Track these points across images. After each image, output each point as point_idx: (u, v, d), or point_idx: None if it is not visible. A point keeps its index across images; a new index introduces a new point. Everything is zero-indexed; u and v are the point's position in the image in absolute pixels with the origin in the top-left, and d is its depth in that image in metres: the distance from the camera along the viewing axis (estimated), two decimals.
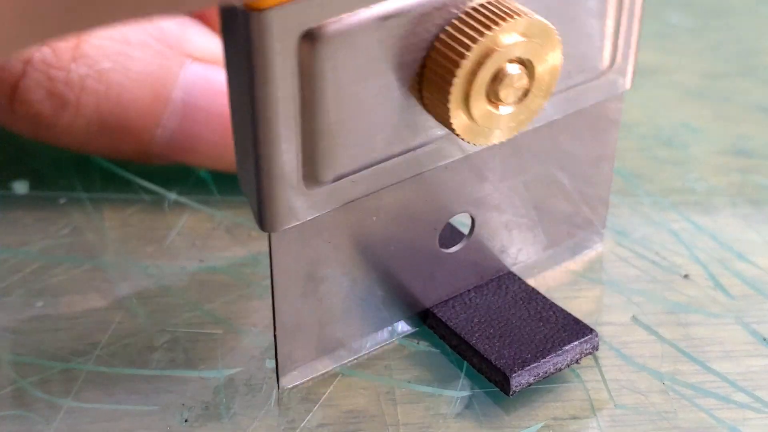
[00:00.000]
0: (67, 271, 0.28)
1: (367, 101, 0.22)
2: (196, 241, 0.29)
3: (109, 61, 0.28)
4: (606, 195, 0.29)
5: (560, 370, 0.25)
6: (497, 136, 0.23)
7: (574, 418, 0.25)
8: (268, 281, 0.28)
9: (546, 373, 0.25)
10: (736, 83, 0.36)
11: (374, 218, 0.25)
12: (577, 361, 0.26)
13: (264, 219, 0.23)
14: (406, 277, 0.26)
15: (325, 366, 0.26)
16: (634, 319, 0.27)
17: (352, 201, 0.24)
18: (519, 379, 0.25)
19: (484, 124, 0.23)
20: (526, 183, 0.27)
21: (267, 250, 0.29)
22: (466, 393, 0.25)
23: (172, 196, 0.31)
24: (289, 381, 0.25)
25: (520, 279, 0.27)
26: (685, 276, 0.28)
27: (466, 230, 0.27)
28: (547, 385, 0.25)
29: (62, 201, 0.30)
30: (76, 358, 0.26)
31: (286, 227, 0.23)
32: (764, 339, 0.27)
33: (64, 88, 0.28)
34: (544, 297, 0.27)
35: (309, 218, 0.23)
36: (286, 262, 0.24)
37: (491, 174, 0.26)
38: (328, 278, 0.25)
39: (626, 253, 0.29)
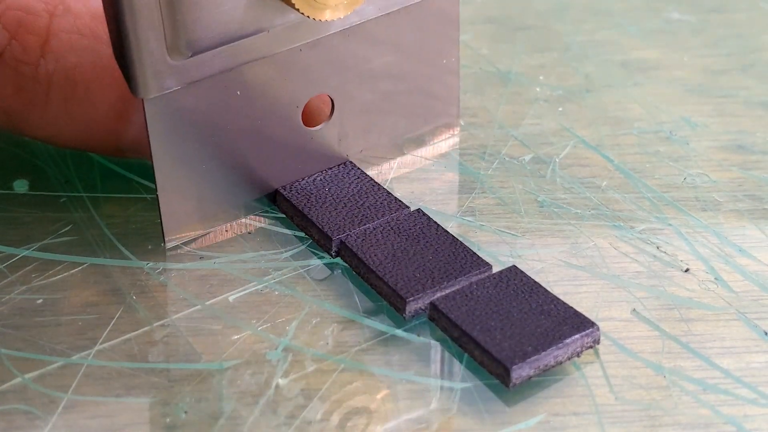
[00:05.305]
0: (67, 268, 0.28)
1: None
2: (196, 239, 0.29)
3: (77, 57, 0.28)
4: (455, 88, 0.32)
5: (561, 363, 0.25)
6: (334, 12, 0.27)
7: (575, 413, 0.25)
8: (268, 278, 0.28)
9: (547, 365, 0.25)
10: (736, 79, 0.36)
11: (238, 93, 0.28)
12: (578, 355, 0.26)
13: (134, 85, 0.26)
14: (271, 150, 0.29)
15: (204, 227, 0.29)
16: (635, 313, 0.27)
17: (214, 75, 0.27)
18: (519, 372, 0.25)
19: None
20: (378, 70, 0.30)
21: (266, 247, 0.29)
22: (466, 385, 0.25)
23: None
24: (171, 238, 0.29)
25: (522, 272, 0.27)
26: (686, 271, 0.28)
27: None
28: (548, 380, 0.25)
29: (62, 199, 0.30)
30: (75, 352, 0.26)
31: (156, 95, 0.26)
32: (766, 334, 0.27)
33: (33, 84, 0.28)
34: (545, 290, 0.27)
35: (175, 87, 0.26)
36: (160, 129, 0.27)
37: (345, 59, 0.29)
38: (200, 146, 0.28)
39: (627, 248, 0.29)
